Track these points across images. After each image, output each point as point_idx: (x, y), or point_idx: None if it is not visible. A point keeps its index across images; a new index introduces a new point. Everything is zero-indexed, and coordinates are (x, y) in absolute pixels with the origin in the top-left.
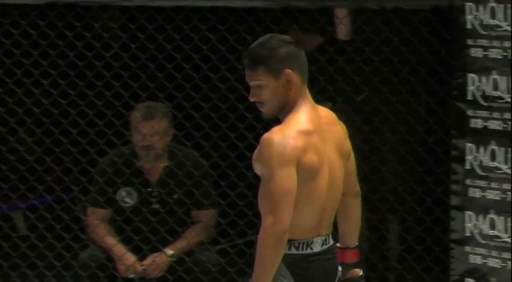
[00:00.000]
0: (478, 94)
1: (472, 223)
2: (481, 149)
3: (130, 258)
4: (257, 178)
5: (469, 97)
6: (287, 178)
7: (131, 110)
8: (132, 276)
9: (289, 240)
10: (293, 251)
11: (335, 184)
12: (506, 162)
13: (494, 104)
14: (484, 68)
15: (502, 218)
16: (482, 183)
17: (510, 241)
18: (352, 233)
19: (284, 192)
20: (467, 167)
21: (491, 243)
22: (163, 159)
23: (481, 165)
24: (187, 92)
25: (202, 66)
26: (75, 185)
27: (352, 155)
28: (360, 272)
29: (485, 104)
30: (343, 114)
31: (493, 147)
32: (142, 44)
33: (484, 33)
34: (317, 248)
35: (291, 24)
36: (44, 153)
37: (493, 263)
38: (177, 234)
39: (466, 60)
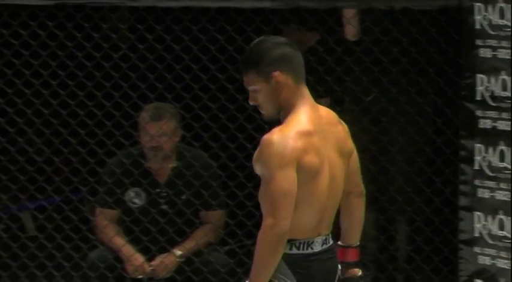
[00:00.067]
0: (486, 94)
1: (480, 224)
2: (490, 150)
3: (139, 258)
4: None
5: (478, 97)
6: (287, 179)
7: (139, 110)
8: (140, 276)
9: (290, 240)
10: (294, 250)
11: (335, 184)
12: None
13: (503, 105)
14: (492, 68)
15: (510, 218)
16: (491, 183)
17: None
18: (354, 232)
19: (284, 193)
20: (476, 167)
21: (500, 244)
22: (171, 160)
23: (489, 166)
24: (195, 92)
25: (210, 66)
26: (83, 185)
27: (355, 153)
28: (359, 272)
29: (494, 104)
30: (351, 115)
31: (502, 147)
32: (151, 45)
33: (493, 33)
34: (317, 247)
35: (288, 24)
36: (53, 154)
37: (502, 263)
38: (186, 235)
39: (474, 60)
